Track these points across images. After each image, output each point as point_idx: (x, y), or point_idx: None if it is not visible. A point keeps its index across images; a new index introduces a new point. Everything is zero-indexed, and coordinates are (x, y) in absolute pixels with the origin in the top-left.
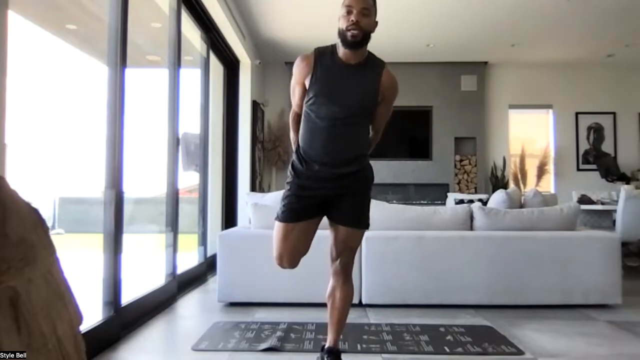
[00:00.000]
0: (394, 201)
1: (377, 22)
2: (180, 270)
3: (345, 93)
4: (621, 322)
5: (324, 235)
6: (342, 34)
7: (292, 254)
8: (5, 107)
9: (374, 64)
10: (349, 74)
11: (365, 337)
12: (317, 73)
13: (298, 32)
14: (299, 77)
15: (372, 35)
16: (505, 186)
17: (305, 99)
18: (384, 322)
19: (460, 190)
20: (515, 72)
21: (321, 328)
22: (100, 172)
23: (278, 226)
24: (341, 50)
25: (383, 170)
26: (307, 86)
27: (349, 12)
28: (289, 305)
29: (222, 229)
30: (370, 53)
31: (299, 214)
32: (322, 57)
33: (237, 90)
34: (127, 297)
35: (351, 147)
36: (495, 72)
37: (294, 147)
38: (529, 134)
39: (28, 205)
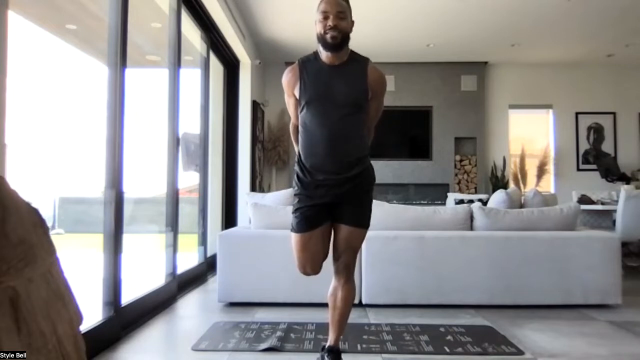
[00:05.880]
0: (394, 201)
1: (353, 22)
2: (180, 270)
3: (336, 93)
4: (621, 322)
5: None
6: (321, 38)
7: (314, 261)
8: (5, 107)
9: (357, 61)
10: (336, 74)
11: (365, 337)
12: (305, 80)
13: (298, 32)
14: (288, 89)
15: (371, 35)
16: (505, 186)
17: (299, 109)
18: (384, 322)
19: (460, 190)
20: (515, 72)
21: (321, 328)
22: (100, 172)
23: (296, 237)
24: (324, 54)
25: (383, 170)
26: (297, 96)
27: (325, 17)
28: (289, 305)
29: (222, 229)
30: (352, 51)
31: (313, 222)
32: (306, 64)
33: (237, 90)
34: (127, 297)
35: (352, 149)
36: (495, 72)
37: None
38: (529, 134)
39: (28, 205)
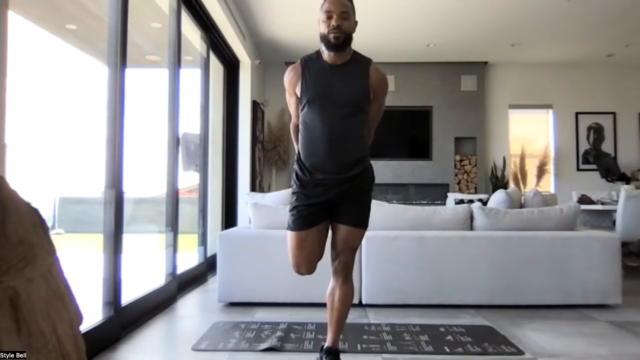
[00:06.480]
0: (394, 201)
1: (356, 22)
2: (180, 270)
3: (337, 92)
4: (621, 322)
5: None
6: (324, 38)
7: (309, 260)
8: (5, 107)
9: (360, 61)
10: (338, 74)
11: (365, 337)
12: (307, 78)
13: (298, 32)
14: (290, 87)
15: (371, 35)
16: (505, 186)
17: (300, 107)
18: (384, 322)
19: (460, 190)
20: (515, 72)
21: (321, 328)
22: (100, 172)
23: (291, 236)
24: (326, 54)
25: (383, 170)
26: (298, 94)
27: (329, 17)
28: (289, 305)
29: (222, 229)
30: (355, 52)
31: (310, 221)
32: (309, 63)
33: (237, 90)
34: (127, 297)
35: (352, 149)
36: (495, 72)
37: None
38: (529, 134)
39: (28, 205)
